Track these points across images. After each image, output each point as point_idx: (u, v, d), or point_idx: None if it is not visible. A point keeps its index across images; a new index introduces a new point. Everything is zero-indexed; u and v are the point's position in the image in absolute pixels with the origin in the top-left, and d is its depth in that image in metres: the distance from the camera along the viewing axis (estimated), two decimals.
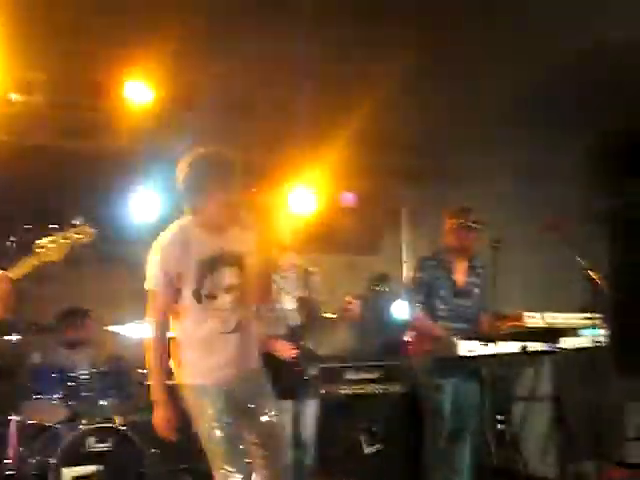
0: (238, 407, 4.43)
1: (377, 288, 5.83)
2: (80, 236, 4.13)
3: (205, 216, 4.34)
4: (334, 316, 5.73)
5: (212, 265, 4.32)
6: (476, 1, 6.29)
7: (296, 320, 5.72)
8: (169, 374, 4.43)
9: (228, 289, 4.37)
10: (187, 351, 4.43)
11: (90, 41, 6.42)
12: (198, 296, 4.32)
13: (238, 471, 4.27)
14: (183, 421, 4.38)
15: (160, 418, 4.33)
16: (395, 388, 7.26)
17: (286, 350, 5.55)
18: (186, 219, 4.40)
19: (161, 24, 6.26)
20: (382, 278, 5.85)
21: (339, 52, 6.72)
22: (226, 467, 4.27)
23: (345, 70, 6.98)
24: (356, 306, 5.63)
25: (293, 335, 5.67)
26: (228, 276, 4.37)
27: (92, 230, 4.17)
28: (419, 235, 8.55)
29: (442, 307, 6.02)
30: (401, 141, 7.74)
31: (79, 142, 7.03)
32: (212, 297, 4.33)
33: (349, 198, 8.26)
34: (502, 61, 6.69)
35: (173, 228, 4.38)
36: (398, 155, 7.83)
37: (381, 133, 7.53)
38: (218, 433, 4.30)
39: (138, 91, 6.93)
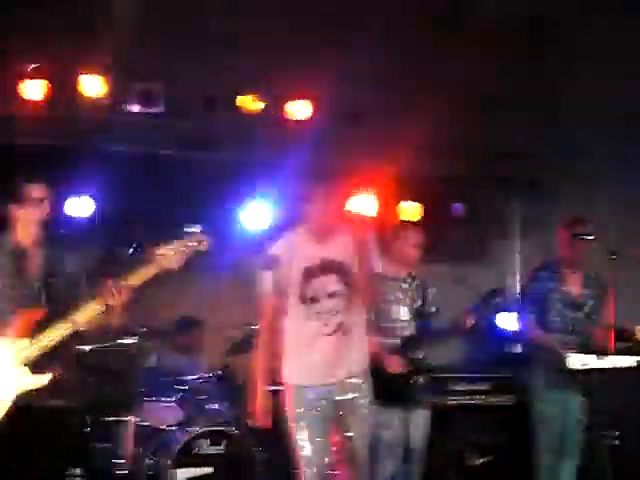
0: (330, 411, 4.59)
1: (489, 305, 5.77)
2: (197, 244, 4.21)
3: (310, 226, 4.62)
4: (447, 327, 5.72)
5: (314, 272, 4.59)
6: None
7: (410, 331, 5.73)
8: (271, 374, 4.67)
9: (330, 295, 4.59)
10: (291, 349, 4.68)
11: (207, 51, 6.58)
12: (303, 299, 4.58)
13: (314, 465, 4.52)
14: None
15: (257, 406, 4.64)
16: (504, 400, 7.18)
17: (396, 366, 5.56)
18: (295, 229, 4.68)
19: (273, 37, 6.40)
20: (495, 293, 5.78)
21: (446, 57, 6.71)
22: (304, 466, 4.54)
23: (452, 77, 6.95)
24: (471, 321, 5.63)
25: (406, 346, 5.68)
26: (329, 283, 4.60)
27: (208, 238, 4.24)
28: (532, 246, 8.42)
29: (555, 319, 5.93)
30: (514, 149, 7.65)
31: (195, 152, 7.18)
32: (315, 300, 4.59)
33: (459, 208, 8.20)
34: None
35: (283, 238, 4.67)
36: (510, 164, 7.72)
37: (493, 142, 7.45)
38: (303, 433, 4.56)
39: (249, 102, 7.06)
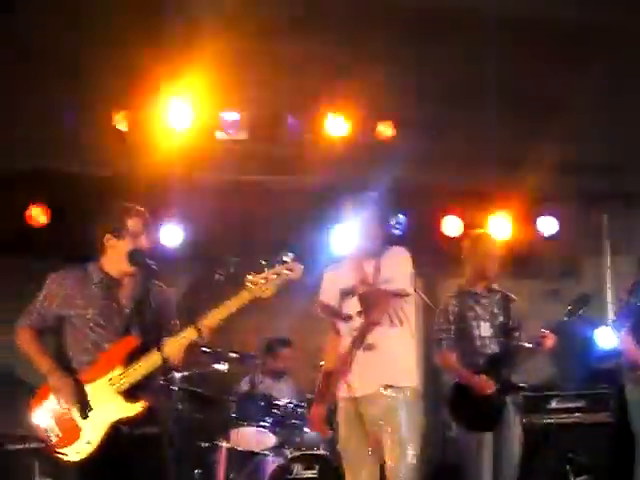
0: (362, 427, 4.71)
1: (578, 312, 5.62)
2: (289, 272, 4.21)
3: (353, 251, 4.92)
4: (530, 345, 5.62)
5: (347, 293, 4.82)
6: None
7: (494, 348, 5.65)
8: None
9: (359, 313, 4.76)
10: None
11: (288, 75, 6.62)
12: (342, 318, 4.84)
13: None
14: None
15: (313, 414, 5.05)
16: (601, 417, 7.03)
17: (484, 387, 5.49)
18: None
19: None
20: (583, 300, 5.63)
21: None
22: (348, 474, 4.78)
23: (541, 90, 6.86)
24: (550, 338, 5.53)
25: (491, 365, 5.60)
26: (355, 303, 4.78)
27: (301, 266, 4.24)
28: (624, 260, 8.22)
29: None
30: (602, 163, 7.49)
31: (282, 176, 7.23)
32: (349, 318, 4.81)
33: (549, 222, 8.06)
34: None
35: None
36: (600, 177, 7.56)
37: (581, 154, 7.31)
38: (346, 450, 4.82)
39: (336, 124, 7.09)
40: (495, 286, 5.83)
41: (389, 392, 4.69)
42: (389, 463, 4.64)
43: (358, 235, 4.90)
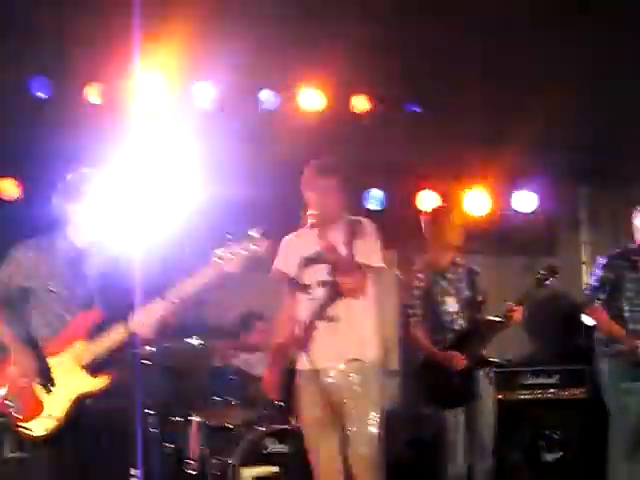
0: (331, 400, 4.61)
1: (545, 283, 5.61)
2: (257, 248, 4.19)
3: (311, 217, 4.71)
4: (500, 319, 5.61)
5: (311, 261, 4.69)
6: None
7: (461, 323, 5.64)
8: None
9: (322, 282, 4.66)
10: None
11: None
12: (301, 287, 4.71)
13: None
14: None
15: (266, 380, 5.03)
16: (575, 393, 7.04)
17: (452, 362, 5.48)
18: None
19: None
20: (550, 270, 5.61)
21: None
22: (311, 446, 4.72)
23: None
24: (517, 311, 5.53)
25: (460, 340, 5.59)
26: (320, 272, 4.65)
27: (267, 241, 4.22)
28: (599, 235, 8.24)
29: (626, 308, 5.76)
30: (580, 139, 7.48)
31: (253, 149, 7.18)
32: (309, 287, 4.71)
33: (525, 198, 8.05)
34: None
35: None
36: (576, 153, 7.55)
37: (558, 131, 7.29)
38: (309, 421, 4.74)
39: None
40: (460, 260, 5.82)
41: (353, 365, 4.65)
42: (351, 432, 4.60)
43: (322, 202, 4.71)
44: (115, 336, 4.19)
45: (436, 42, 6.48)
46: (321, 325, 4.68)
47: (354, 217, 4.81)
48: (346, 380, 4.64)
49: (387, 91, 7.18)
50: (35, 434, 4.18)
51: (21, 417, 4.19)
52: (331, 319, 4.67)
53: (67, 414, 4.18)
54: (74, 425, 4.19)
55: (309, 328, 4.72)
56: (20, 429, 4.21)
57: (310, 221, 4.68)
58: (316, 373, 4.66)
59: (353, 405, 4.61)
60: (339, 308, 4.66)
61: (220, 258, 4.17)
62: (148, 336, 4.34)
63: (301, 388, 4.81)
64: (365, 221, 4.79)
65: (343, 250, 4.64)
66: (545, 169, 7.74)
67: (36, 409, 4.17)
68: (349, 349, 4.66)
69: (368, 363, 4.67)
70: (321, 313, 4.69)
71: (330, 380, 4.66)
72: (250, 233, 4.19)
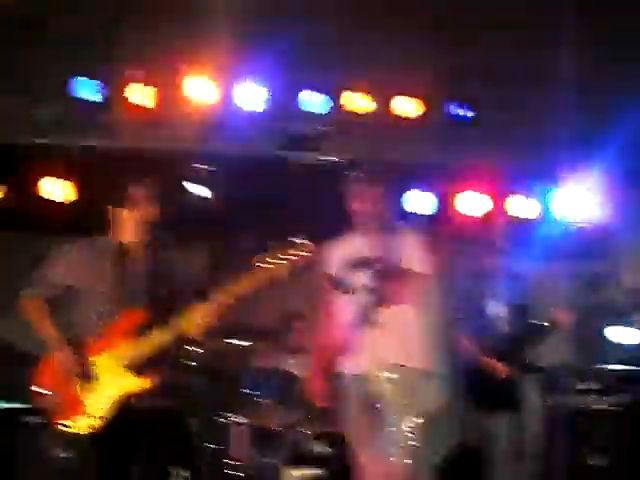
0: (374, 404, 4.58)
1: (592, 293, 5.58)
2: (303, 253, 4.20)
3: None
4: (547, 324, 5.55)
5: (358, 265, 4.66)
6: None
7: (507, 328, 5.59)
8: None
9: (366, 287, 4.62)
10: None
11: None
12: (346, 291, 4.69)
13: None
14: None
15: (311, 385, 4.93)
16: (623, 399, 6.94)
17: (498, 370, 5.43)
18: None
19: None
20: (596, 279, 5.58)
21: None
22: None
23: None
24: (564, 315, 5.46)
25: (506, 346, 5.54)
26: (365, 277, 4.61)
27: (313, 247, 4.23)
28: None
29: None
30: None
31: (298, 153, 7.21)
32: (353, 291, 4.67)
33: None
34: None
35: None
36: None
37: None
38: (352, 425, 4.71)
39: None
40: (504, 264, 5.77)
41: (395, 370, 4.63)
42: (392, 436, 4.56)
43: (371, 210, 4.71)
44: (160, 337, 4.21)
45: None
46: (365, 330, 4.66)
47: (401, 223, 4.82)
48: (388, 385, 4.63)
49: (431, 92, 7.15)
50: (76, 432, 4.22)
51: (63, 415, 4.23)
52: (375, 324, 4.65)
53: (109, 413, 4.20)
54: (117, 425, 4.21)
55: (353, 332, 4.72)
56: (62, 427, 4.24)
57: (360, 228, 4.70)
58: (359, 377, 4.67)
59: (394, 410, 4.59)
60: (383, 313, 4.64)
61: (267, 264, 4.17)
62: (195, 337, 4.35)
63: (344, 392, 4.81)
64: (410, 227, 4.81)
65: (389, 257, 4.63)
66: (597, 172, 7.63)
67: (78, 408, 4.21)
68: (391, 354, 4.64)
69: (411, 368, 4.65)
70: (365, 318, 4.66)
71: (373, 385, 4.65)
72: (293, 239, 4.19)
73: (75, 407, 4.21)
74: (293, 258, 4.18)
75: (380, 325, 4.63)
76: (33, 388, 4.31)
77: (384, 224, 4.74)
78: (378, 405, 4.63)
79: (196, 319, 4.25)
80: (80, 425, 4.19)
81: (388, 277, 4.61)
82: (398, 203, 5.00)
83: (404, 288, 4.64)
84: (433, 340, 4.87)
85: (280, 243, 4.21)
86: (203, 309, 4.23)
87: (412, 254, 4.66)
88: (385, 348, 4.63)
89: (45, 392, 4.28)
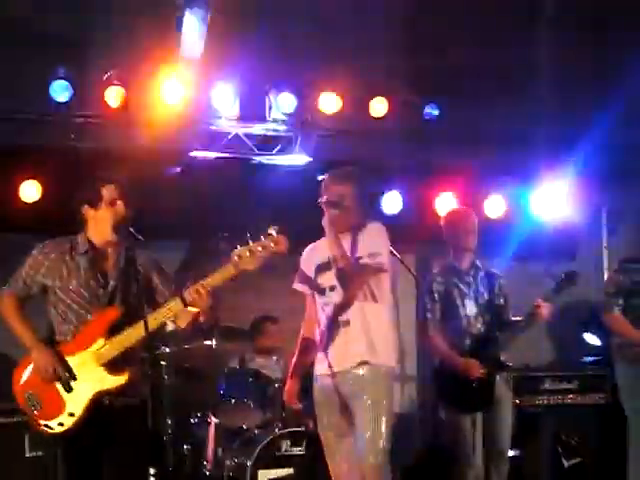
0: (346, 404, 4.64)
1: (564, 290, 5.58)
2: (276, 246, 4.19)
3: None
4: (520, 319, 5.57)
5: (323, 267, 4.79)
6: None
7: (479, 327, 5.60)
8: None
9: (332, 287, 4.71)
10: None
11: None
12: (318, 292, 4.80)
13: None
14: None
15: (287, 389, 5.03)
16: (594, 399, 7.00)
17: (469, 370, 5.45)
18: None
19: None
20: (570, 277, 5.58)
21: None
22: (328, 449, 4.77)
23: None
24: (546, 307, 5.48)
25: (478, 345, 5.55)
26: (331, 277, 4.70)
27: (286, 240, 4.21)
28: (622, 239, 8.17)
29: None
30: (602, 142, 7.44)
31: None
32: (322, 292, 4.79)
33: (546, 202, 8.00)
34: None
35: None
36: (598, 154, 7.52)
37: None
38: (325, 425, 4.76)
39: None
40: (478, 263, 5.78)
41: (363, 369, 4.65)
42: (359, 435, 4.59)
43: (337, 210, 4.74)
44: (133, 335, 4.20)
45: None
46: (335, 329, 4.70)
47: (369, 221, 4.83)
48: (356, 383, 4.65)
49: (406, 93, 7.18)
50: (56, 432, 4.20)
51: (42, 415, 4.22)
52: (344, 323, 4.69)
53: (85, 411, 4.19)
54: (90, 422, 4.20)
55: (325, 332, 4.76)
56: (41, 427, 4.24)
57: (329, 228, 4.73)
58: (330, 377, 4.70)
59: (362, 409, 4.61)
60: (351, 312, 4.68)
61: (239, 256, 4.16)
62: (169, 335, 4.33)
63: (317, 392, 4.83)
64: (372, 224, 4.82)
65: (351, 255, 4.68)
66: (565, 171, 7.69)
67: (57, 408, 4.20)
68: (359, 352, 4.67)
69: (377, 366, 4.67)
70: (334, 317, 4.72)
71: (343, 384, 4.67)
72: (269, 231, 4.19)
73: (55, 407, 4.20)
74: (267, 250, 4.17)
75: (348, 324, 4.68)
76: (12, 388, 4.30)
77: (351, 223, 4.77)
78: (349, 404, 4.64)
79: (170, 317, 4.26)
80: (57, 424, 4.19)
81: (347, 275, 4.65)
82: (369, 203, 4.97)
83: (364, 285, 4.69)
84: (405, 338, 4.89)
85: (255, 236, 4.19)
86: (176, 307, 4.22)
87: (367, 247, 4.70)
88: (352, 346, 4.68)
89: (24, 392, 4.26)
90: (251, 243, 4.17)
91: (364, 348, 4.66)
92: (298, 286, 4.95)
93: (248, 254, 4.16)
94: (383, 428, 4.58)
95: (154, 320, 4.20)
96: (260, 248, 4.17)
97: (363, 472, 4.58)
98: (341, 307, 4.71)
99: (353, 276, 4.66)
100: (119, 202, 4.33)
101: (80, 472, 4.22)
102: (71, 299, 4.29)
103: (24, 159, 6.89)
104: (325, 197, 4.75)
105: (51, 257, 4.34)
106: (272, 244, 4.18)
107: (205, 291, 4.19)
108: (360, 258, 4.69)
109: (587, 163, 7.51)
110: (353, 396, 4.65)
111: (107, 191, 4.33)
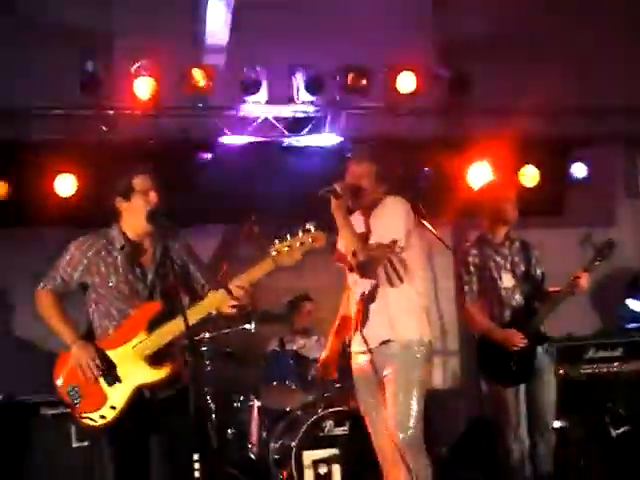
0: (374, 380, 4.70)
1: (604, 259, 5.48)
2: (314, 242, 4.18)
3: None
4: (559, 290, 5.50)
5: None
6: None
7: (518, 298, 5.54)
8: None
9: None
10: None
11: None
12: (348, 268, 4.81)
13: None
14: None
15: (320, 361, 5.21)
16: (639, 365, 6.91)
17: (512, 341, 5.39)
18: None
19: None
20: (608, 246, 5.48)
21: None
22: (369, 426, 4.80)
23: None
24: (584, 278, 5.40)
25: (518, 316, 5.49)
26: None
27: (324, 235, 4.20)
28: None
29: None
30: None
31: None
32: (350, 270, 4.79)
33: (581, 169, 7.90)
34: None
35: None
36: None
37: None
38: (362, 402, 4.84)
39: None
40: (514, 234, 5.71)
41: (388, 346, 4.67)
42: (391, 411, 4.60)
43: (355, 188, 4.74)
44: (174, 328, 4.18)
45: None
46: (363, 307, 4.74)
47: (385, 197, 4.80)
48: (385, 360, 4.67)
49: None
50: (96, 424, 4.24)
51: (84, 408, 4.26)
52: (369, 301, 4.72)
53: (128, 405, 4.22)
54: (133, 415, 4.23)
55: (356, 310, 4.80)
56: (83, 420, 4.27)
57: (355, 206, 4.76)
58: (364, 354, 4.75)
59: (390, 384, 4.63)
60: (374, 291, 4.70)
61: (278, 251, 4.15)
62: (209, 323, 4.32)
63: (354, 368, 4.88)
64: (389, 199, 4.78)
65: (362, 246, 4.64)
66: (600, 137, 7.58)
67: (99, 400, 4.23)
68: (381, 330, 4.69)
69: (399, 343, 4.66)
70: (361, 296, 4.75)
71: (375, 360, 4.70)
72: (307, 226, 4.18)
73: (97, 400, 4.24)
74: (306, 246, 4.16)
75: (372, 300, 4.71)
76: (55, 382, 4.34)
77: (367, 202, 4.78)
78: (382, 380, 4.66)
79: (212, 310, 4.26)
80: (99, 417, 4.23)
81: (366, 264, 4.64)
82: (395, 178, 4.94)
83: (385, 267, 4.68)
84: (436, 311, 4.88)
85: (292, 230, 4.18)
86: (219, 300, 4.23)
87: (381, 225, 4.70)
88: (376, 325, 4.71)
89: (66, 385, 4.30)
90: (289, 238, 4.16)
91: (385, 328, 4.68)
92: (336, 260, 4.93)
93: (287, 250, 4.15)
94: (414, 404, 4.58)
95: (197, 314, 4.20)
96: (299, 244, 4.15)
97: (400, 447, 4.58)
98: (364, 286, 4.74)
99: (371, 263, 4.66)
100: (151, 192, 4.33)
101: (127, 461, 4.25)
102: (112, 295, 4.30)
103: (58, 153, 6.93)
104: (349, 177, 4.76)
105: (88, 255, 4.34)
106: (310, 240, 4.17)
107: (249, 287, 4.20)
108: (376, 239, 4.68)
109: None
110: (383, 372, 4.67)
111: (139, 182, 4.33)
